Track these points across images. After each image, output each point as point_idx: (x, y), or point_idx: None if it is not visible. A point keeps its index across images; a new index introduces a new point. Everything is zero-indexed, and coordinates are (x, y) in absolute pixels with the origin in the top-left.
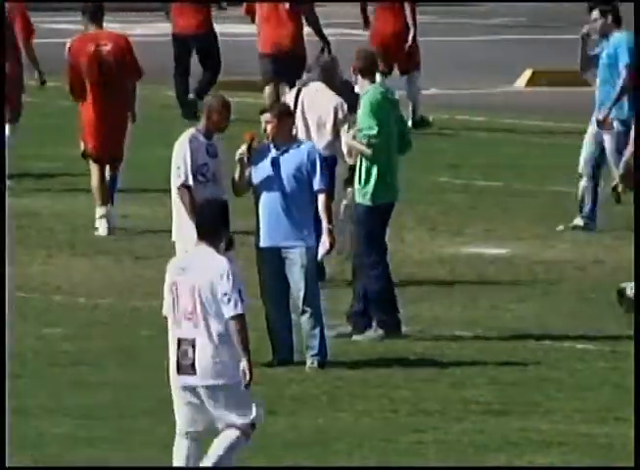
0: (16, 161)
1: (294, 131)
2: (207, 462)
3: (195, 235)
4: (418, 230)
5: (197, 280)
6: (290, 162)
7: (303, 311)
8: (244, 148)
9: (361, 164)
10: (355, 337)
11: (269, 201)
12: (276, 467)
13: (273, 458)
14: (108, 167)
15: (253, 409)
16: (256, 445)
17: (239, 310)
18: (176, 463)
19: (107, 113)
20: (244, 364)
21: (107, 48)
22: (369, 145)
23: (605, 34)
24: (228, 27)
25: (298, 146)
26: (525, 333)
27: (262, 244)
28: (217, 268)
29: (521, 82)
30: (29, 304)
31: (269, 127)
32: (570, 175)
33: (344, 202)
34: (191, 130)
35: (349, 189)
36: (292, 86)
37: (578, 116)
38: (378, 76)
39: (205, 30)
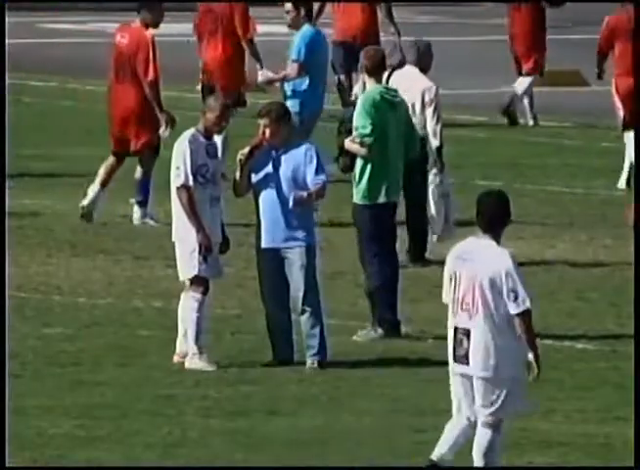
0: (15, 161)
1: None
2: (479, 463)
3: (193, 235)
4: None
5: (478, 272)
6: (288, 162)
7: (303, 311)
8: (246, 150)
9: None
10: (355, 337)
11: (269, 201)
12: (276, 467)
13: (273, 458)
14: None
15: (518, 404)
16: (257, 445)
17: (525, 307)
18: (443, 441)
19: (117, 105)
20: (531, 358)
21: (125, 41)
22: (362, 144)
23: (296, 27)
24: None
25: (297, 146)
26: None
27: (262, 244)
28: (502, 263)
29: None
30: (29, 304)
31: (267, 131)
32: (570, 175)
33: (436, 181)
34: (191, 131)
35: (434, 170)
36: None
37: (578, 115)
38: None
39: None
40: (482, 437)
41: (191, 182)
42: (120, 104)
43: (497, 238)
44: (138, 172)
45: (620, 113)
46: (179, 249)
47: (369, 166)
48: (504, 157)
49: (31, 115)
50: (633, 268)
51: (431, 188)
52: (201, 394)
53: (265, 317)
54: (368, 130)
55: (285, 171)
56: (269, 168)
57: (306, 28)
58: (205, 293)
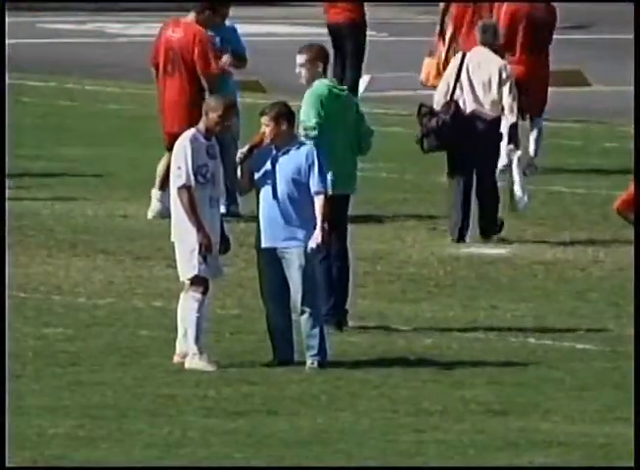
0: (15, 161)
1: (295, 131)
2: None
3: (193, 235)
4: (418, 230)
5: None
6: (288, 163)
7: (302, 312)
8: (245, 149)
9: None
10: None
11: (268, 201)
12: (276, 467)
13: (273, 458)
14: None
15: None
16: (257, 445)
17: None
18: None
19: (166, 99)
20: None
21: (177, 36)
22: (306, 136)
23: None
24: None
25: (298, 148)
26: (525, 333)
27: (262, 244)
28: None
29: None
30: (29, 304)
31: (267, 130)
32: (570, 175)
33: (514, 156)
34: (191, 131)
35: (511, 146)
36: None
37: (578, 115)
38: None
39: (356, 22)
40: None
41: (192, 182)
42: (170, 98)
43: None
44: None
45: None
46: (179, 249)
47: None
48: None
49: (31, 115)
50: (633, 268)
51: (514, 164)
52: (201, 394)
53: (265, 318)
54: (312, 123)
55: (284, 172)
56: (269, 169)
57: (230, 25)
58: (204, 293)
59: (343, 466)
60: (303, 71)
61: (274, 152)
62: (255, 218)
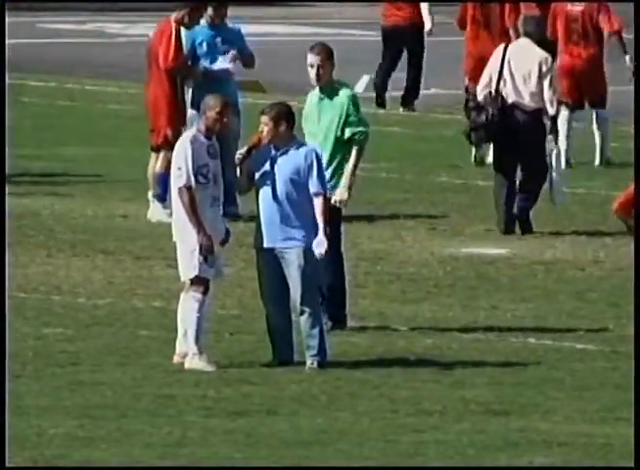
0: (15, 161)
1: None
2: None
3: (194, 236)
4: (418, 230)
5: None
6: (287, 163)
7: (302, 312)
8: (244, 150)
9: (340, 162)
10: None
11: (267, 201)
12: (276, 467)
13: (273, 458)
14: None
15: None
16: (257, 445)
17: None
18: None
19: (147, 99)
20: None
21: (151, 34)
22: (360, 143)
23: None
24: None
25: (298, 148)
26: (525, 333)
27: (261, 244)
28: None
29: None
30: (29, 304)
31: (266, 130)
32: (570, 175)
33: (554, 150)
34: (191, 131)
35: (550, 136)
36: None
37: (578, 115)
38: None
39: (417, 24)
40: None
41: (193, 183)
42: (149, 97)
43: None
44: (159, 167)
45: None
46: (180, 249)
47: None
48: None
49: (31, 115)
50: (633, 268)
51: (553, 157)
52: (201, 394)
53: (265, 318)
54: (368, 127)
55: (283, 172)
56: (268, 169)
57: (234, 26)
58: (205, 293)
59: (343, 466)
60: (321, 71)
61: (273, 152)
62: (255, 218)
